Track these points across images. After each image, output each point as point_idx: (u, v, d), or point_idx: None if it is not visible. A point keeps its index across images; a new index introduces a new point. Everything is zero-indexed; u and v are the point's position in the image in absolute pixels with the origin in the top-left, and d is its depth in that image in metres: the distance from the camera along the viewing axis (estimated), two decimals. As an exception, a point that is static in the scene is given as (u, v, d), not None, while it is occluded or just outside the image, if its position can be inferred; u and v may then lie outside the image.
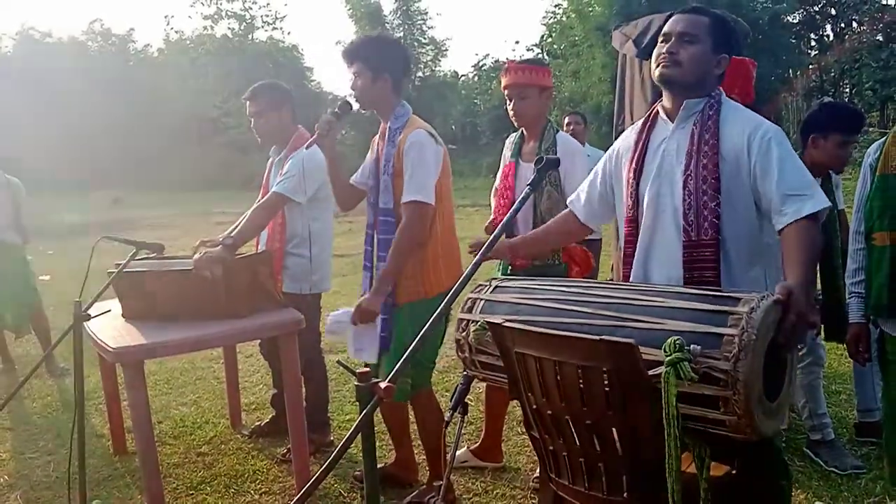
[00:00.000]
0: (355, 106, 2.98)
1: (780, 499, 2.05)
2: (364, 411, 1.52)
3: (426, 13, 35.00)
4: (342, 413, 4.07)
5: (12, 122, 24.05)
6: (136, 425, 2.88)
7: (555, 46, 30.08)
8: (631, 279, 2.16)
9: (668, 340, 1.53)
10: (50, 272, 8.71)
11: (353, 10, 33.76)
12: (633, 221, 2.15)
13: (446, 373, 4.77)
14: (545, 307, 1.85)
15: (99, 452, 3.78)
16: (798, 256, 1.80)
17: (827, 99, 23.58)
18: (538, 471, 2.86)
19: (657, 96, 2.26)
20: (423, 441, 3.14)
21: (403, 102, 2.94)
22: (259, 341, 3.99)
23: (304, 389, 3.46)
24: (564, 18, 28.53)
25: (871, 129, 22.05)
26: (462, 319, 2.02)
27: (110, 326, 3.01)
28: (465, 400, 1.98)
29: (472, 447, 3.46)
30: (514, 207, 1.92)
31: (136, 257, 2.87)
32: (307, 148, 3.01)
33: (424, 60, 35.22)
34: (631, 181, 2.15)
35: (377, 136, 3.01)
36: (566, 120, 5.88)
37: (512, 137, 3.36)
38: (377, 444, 3.56)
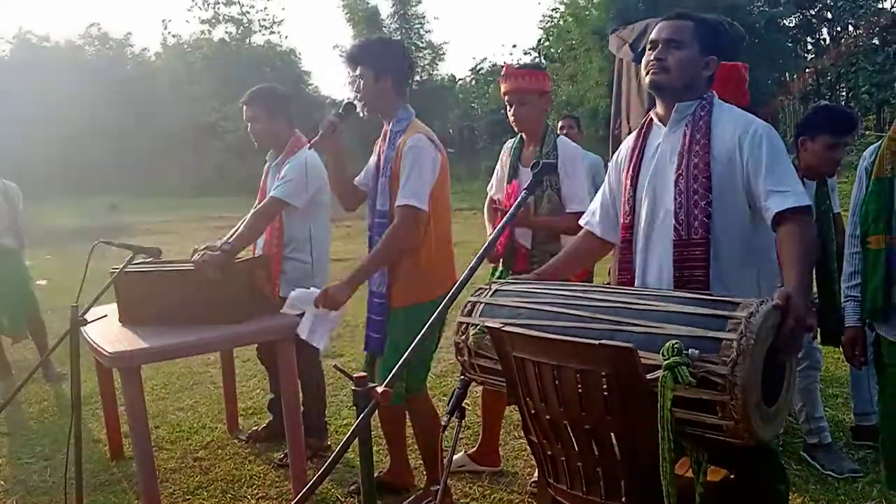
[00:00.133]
0: (359, 108, 2.99)
1: (778, 503, 2.05)
2: (361, 415, 1.52)
3: (423, 17, 35.05)
4: (339, 418, 4.07)
5: (8, 127, 24.00)
6: (133, 430, 2.87)
7: (552, 50, 30.12)
8: (632, 283, 2.16)
9: (667, 344, 1.53)
10: (47, 277, 8.70)
11: (350, 14, 33.81)
12: (629, 228, 2.16)
13: (444, 377, 4.77)
14: (544, 311, 1.85)
15: (95, 457, 3.77)
16: (793, 258, 1.81)
17: (823, 102, 23.67)
18: (536, 475, 2.87)
19: (653, 100, 2.27)
20: (419, 446, 3.14)
21: (407, 105, 2.94)
22: (256, 346, 3.99)
23: (301, 394, 3.45)
24: (561, 22, 28.58)
25: (867, 133, 22.11)
26: (461, 323, 2.02)
27: (107, 331, 3.01)
28: (463, 404, 1.98)
29: (469, 451, 3.46)
30: (510, 212, 1.92)
31: (133, 262, 2.87)
32: (310, 147, 3.01)
33: (422, 64, 35.25)
34: (627, 188, 2.17)
35: (379, 139, 3.02)
36: (560, 124, 5.88)
37: (510, 143, 3.37)
38: (374, 448, 3.57)
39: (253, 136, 3.61)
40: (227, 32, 37.38)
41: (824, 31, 29.12)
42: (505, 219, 1.92)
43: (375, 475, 3.19)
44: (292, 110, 3.66)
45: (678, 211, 2.01)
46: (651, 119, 2.21)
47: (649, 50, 2.12)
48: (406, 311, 2.84)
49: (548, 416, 1.76)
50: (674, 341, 1.52)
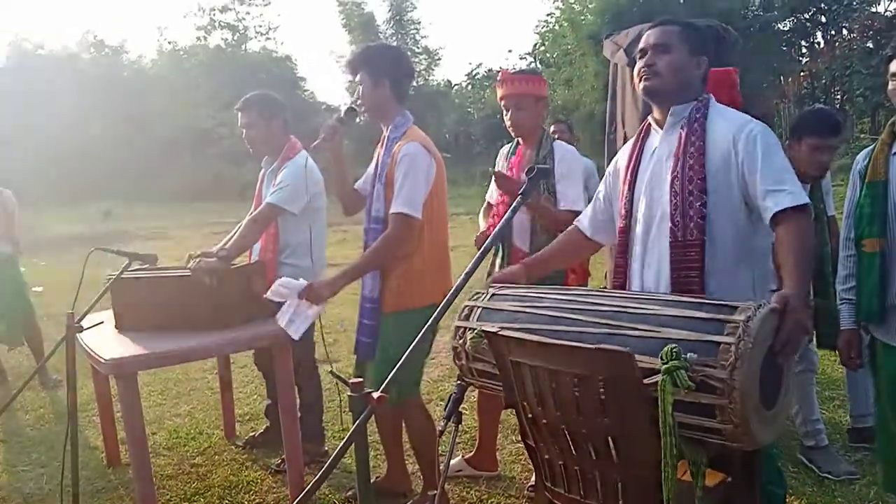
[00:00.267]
0: (361, 113, 3.00)
1: (775, 506, 2.06)
2: (357, 421, 1.52)
3: (419, 23, 35.19)
4: (336, 423, 4.06)
5: (3, 133, 23.99)
6: (130, 437, 2.86)
7: (547, 55, 30.22)
8: (628, 287, 2.16)
9: (665, 348, 1.53)
10: (43, 283, 8.67)
11: (346, 20, 33.89)
12: (625, 232, 2.17)
13: (441, 382, 4.77)
14: (542, 315, 1.85)
15: (92, 464, 3.76)
16: (792, 260, 1.80)
17: (818, 105, 23.76)
18: (533, 479, 2.87)
19: (648, 105, 2.28)
20: (414, 450, 3.13)
21: (405, 112, 2.95)
22: (253, 351, 3.98)
23: (298, 399, 3.45)
24: (557, 27, 28.66)
25: (862, 136, 22.19)
26: (459, 327, 2.02)
27: (103, 337, 3.00)
28: (460, 409, 1.98)
29: (466, 456, 3.45)
30: (506, 216, 1.93)
31: (129, 268, 2.87)
32: (311, 149, 3.02)
33: (418, 70, 35.33)
34: (625, 192, 2.18)
35: (378, 144, 3.03)
36: (552, 128, 5.90)
37: (506, 148, 3.38)
38: (371, 454, 3.57)
39: (248, 142, 3.61)
40: (222, 39, 37.44)
41: (818, 34, 29.24)
42: (500, 224, 1.92)
43: (373, 480, 3.20)
44: (287, 116, 3.66)
45: (674, 212, 2.01)
46: (649, 124, 2.22)
47: (640, 58, 2.14)
48: (397, 317, 2.85)
49: (545, 421, 1.76)
50: (672, 345, 1.52)
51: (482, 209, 3.53)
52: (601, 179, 2.42)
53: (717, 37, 2.34)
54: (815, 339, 3.27)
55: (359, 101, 2.94)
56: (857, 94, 24.23)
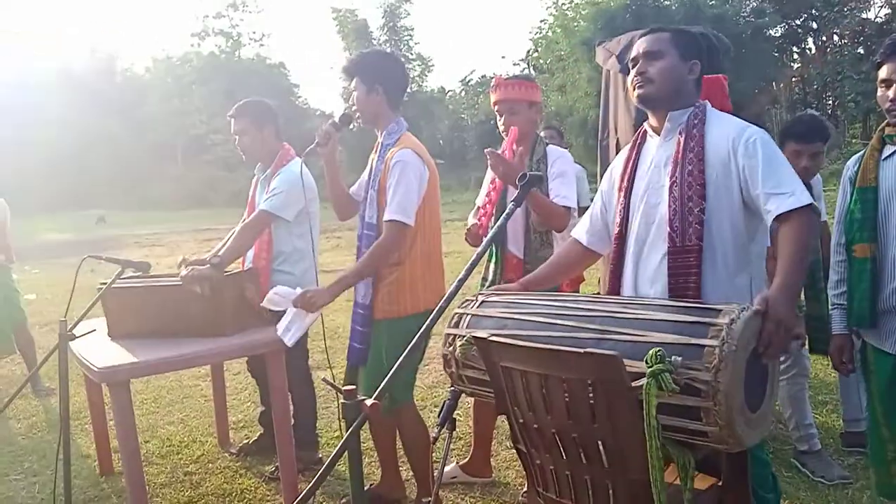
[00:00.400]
0: (355, 120, 3.01)
1: (767, 510, 2.06)
2: (351, 429, 1.52)
3: (412, 29, 35.31)
4: (330, 430, 4.05)
5: (-3, 141, 23.97)
6: (123, 445, 2.85)
7: (541, 61, 30.34)
8: (622, 293, 2.17)
9: (650, 352, 1.54)
10: (35, 291, 8.65)
11: (340, 27, 34.00)
12: (621, 238, 2.16)
13: (434, 388, 4.77)
14: (531, 321, 1.86)
15: (85, 473, 3.74)
16: (783, 256, 1.81)
17: (809, 111, 23.88)
18: (527, 485, 2.87)
19: (641, 111, 2.29)
20: (408, 457, 3.13)
21: (399, 118, 2.97)
22: (247, 359, 3.98)
23: (291, 407, 3.45)
24: (550, 33, 28.80)
25: (854, 141, 22.33)
26: (449, 334, 2.02)
27: (96, 345, 2.99)
28: (454, 415, 1.99)
29: (460, 462, 3.45)
30: (498, 224, 1.93)
31: (122, 276, 2.86)
32: (304, 155, 3.03)
33: (411, 76, 35.43)
34: (621, 199, 2.17)
35: (373, 151, 3.04)
36: (542, 134, 5.91)
37: (502, 147, 3.38)
38: (365, 461, 3.57)
39: (240, 149, 3.62)
40: (216, 46, 37.48)
41: (810, 40, 29.45)
42: (492, 231, 1.93)
43: (367, 488, 3.20)
44: (280, 123, 3.66)
45: (672, 218, 2.01)
46: (645, 131, 2.22)
47: (632, 67, 2.14)
48: (389, 324, 2.86)
49: (536, 426, 1.76)
50: (657, 349, 1.54)
51: (471, 213, 3.53)
52: (591, 186, 2.43)
53: (709, 44, 2.34)
54: (807, 343, 3.28)
55: (353, 108, 2.96)
56: (848, 100, 24.38)
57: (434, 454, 3.05)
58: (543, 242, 3.11)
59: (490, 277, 3.20)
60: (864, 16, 27.07)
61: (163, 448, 4.04)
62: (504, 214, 1.94)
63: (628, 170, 2.19)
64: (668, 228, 2.02)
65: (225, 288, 3.10)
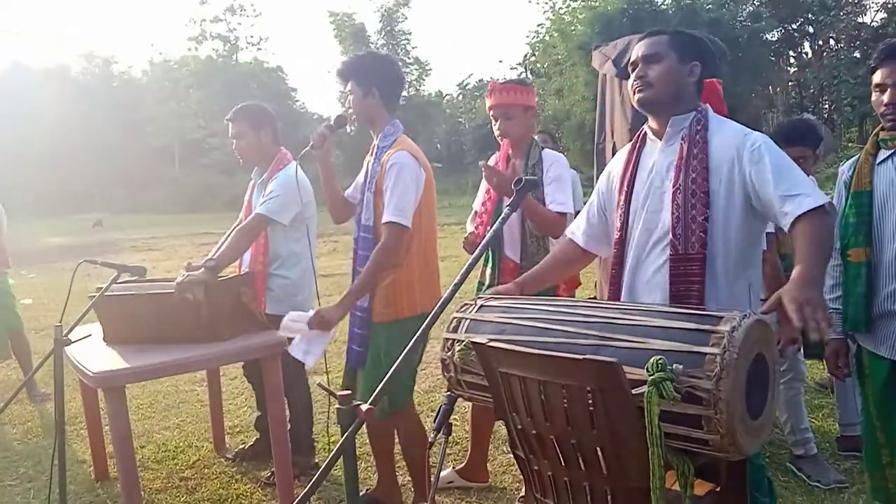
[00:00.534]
0: (350, 122, 3.01)
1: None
2: (346, 433, 1.52)
3: (410, 33, 35.40)
4: (326, 435, 4.03)
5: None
6: (118, 450, 2.84)
7: (538, 65, 30.40)
8: (622, 298, 2.16)
9: (651, 360, 1.54)
10: (32, 296, 8.63)
11: (337, 31, 34.04)
12: (621, 243, 2.15)
13: (431, 393, 4.76)
14: (530, 326, 1.86)
15: (80, 479, 3.72)
16: (801, 254, 1.78)
17: (806, 115, 23.96)
18: (524, 490, 2.86)
19: (637, 115, 2.29)
20: (406, 461, 3.13)
21: (395, 121, 2.97)
22: (242, 363, 3.97)
23: (287, 411, 3.44)
24: (547, 38, 28.85)
25: (850, 145, 22.39)
26: (447, 339, 2.02)
27: (91, 350, 2.98)
28: (450, 420, 1.98)
29: (457, 467, 3.44)
30: (493, 228, 1.93)
31: (118, 281, 2.85)
32: (299, 158, 3.02)
33: (409, 80, 35.47)
34: (621, 203, 2.16)
35: (368, 153, 3.04)
36: (535, 139, 5.91)
37: (494, 157, 3.39)
38: (362, 466, 3.56)
39: (238, 152, 3.61)
40: (213, 50, 37.48)
41: (806, 44, 29.57)
42: (488, 236, 1.92)
43: (363, 492, 3.19)
44: (277, 126, 3.66)
45: (675, 225, 2.00)
46: (645, 133, 2.20)
47: (631, 71, 2.13)
48: (388, 326, 2.86)
49: (534, 431, 1.76)
50: (658, 357, 1.53)
51: (469, 217, 3.54)
52: (586, 191, 2.42)
53: (704, 47, 2.35)
54: (802, 348, 3.29)
55: (349, 110, 2.96)
56: (844, 104, 24.48)
57: (431, 458, 3.04)
58: (540, 247, 3.11)
59: (487, 282, 3.20)
60: (860, 20, 27.21)
61: (158, 453, 4.02)
62: (500, 219, 1.94)
63: (628, 174, 2.17)
64: (671, 236, 2.00)
65: (221, 292, 3.09)
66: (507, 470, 3.55)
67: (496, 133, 3.23)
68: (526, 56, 32.85)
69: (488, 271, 3.24)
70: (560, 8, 27.98)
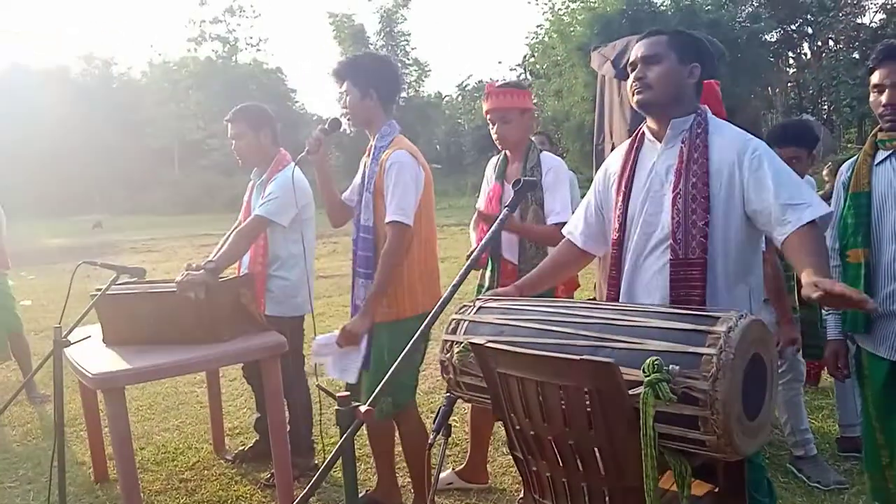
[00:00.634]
0: (345, 124, 3.01)
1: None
2: (345, 435, 1.52)
3: (409, 35, 35.41)
4: (326, 436, 4.04)
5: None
6: (117, 452, 2.84)
7: (537, 66, 30.40)
8: (620, 300, 2.16)
9: (647, 361, 1.54)
10: (31, 297, 8.63)
11: (337, 32, 34.05)
12: (619, 244, 2.14)
13: (431, 394, 4.76)
14: (528, 327, 1.86)
15: (80, 480, 3.72)
16: (808, 255, 1.78)
17: (805, 116, 24.00)
18: (523, 492, 2.86)
19: (636, 116, 2.28)
20: (407, 462, 3.13)
21: (392, 122, 2.97)
22: (242, 365, 3.97)
23: (287, 413, 3.44)
24: (546, 39, 28.85)
25: (849, 146, 22.40)
26: (446, 340, 2.02)
27: (91, 352, 2.98)
28: (450, 421, 1.98)
29: (457, 468, 3.45)
30: (493, 228, 1.93)
31: (117, 282, 2.85)
32: (296, 163, 3.02)
33: (408, 81, 35.48)
34: (619, 203, 2.14)
35: (365, 154, 3.04)
36: (533, 139, 5.90)
37: (494, 159, 3.40)
38: (362, 467, 3.56)
39: (237, 153, 3.61)
40: (213, 51, 37.47)
41: (805, 45, 29.60)
42: (486, 237, 1.93)
43: (363, 493, 3.20)
44: (276, 127, 3.66)
45: (676, 230, 1.99)
46: (643, 133, 2.18)
47: (630, 72, 2.12)
48: (390, 327, 2.86)
49: (532, 432, 1.76)
50: (654, 357, 1.53)
51: (473, 219, 3.54)
52: (583, 193, 2.40)
53: (703, 48, 2.34)
54: (801, 349, 3.28)
55: (345, 111, 2.95)
56: (843, 104, 24.50)
57: (430, 460, 3.04)
58: (538, 250, 3.12)
59: (486, 284, 3.21)
60: (858, 21, 27.23)
61: (158, 455, 4.02)
62: (498, 220, 1.94)
63: (626, 174, 2.16)
64: (672, 241, 2.00)
65: (220, 294, 3.09)
66: (506, 471, 3.55)
67: (494, 137, 3.23)
68: (525, 57, 32.87)
69: (487, 273, 3.24)
70: (559, 9, 28.02)
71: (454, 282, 1.81)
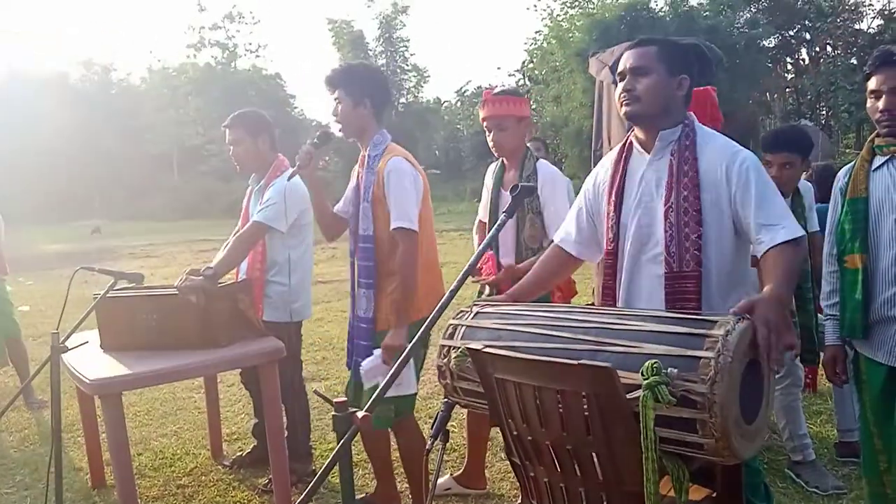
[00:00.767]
0: (337, 134, 3.01)
1: (762, 521, 2.06)
2: (342, 441, 1.52)
3: (408, 40, 35.41)
4: (325, 442, 4.04)
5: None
6: (115, 458, 2.84)
7: (536, 72, 30.45)
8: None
9: (646, 364, 1.54)
10: (29, 303, 8.62)
11: (336, 38, 34.07)
12: (613, 254, 2.14)
13: (429, 399, 4.76)
14: (525, 332, 1.86)
15: (77, 486, 3.71)
16: (772, 276, 1.81)
17: (803, 121, 24.04)
18: (521, 497, 2.86)
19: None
20: (405, 468, 3.12)
21: (382, 130, 2.97)
22: (240, 370, 3.96)
23: (285, 418, 3.43)
24: (545, 44, 28.90)
25: (847, 151, 22.45)
26: (443, 346, 2.02)
27: (88, 357, 2.97)
28: (448, 426, 1.98)
29: (455, 474, 3.44)
30: (490, 234, 1.94)
31: (115, 287, 2.85)
32: (289, 179, 3.02)
33: (407, 87, 35.52)
34: (611, 213, 2.15)
35: (357, 164, 3.04)
36: (529, 146, 5.90)
37: (493, 166, 3.40)
38: (360, 473, 3.56)
39: (235, 159, 3.62)
40: (212, 57, 37.51)
41: (803, 51, 29.68)
42: (484, 242, 1.93)
43: (362, 497, 3.19)
44: (275, 133, 3.67)
45: (669, 244, 2.00)
46: (631, 142, 2.18)
47: (619, 81, 2.12)
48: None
49: (530, 438, 1.76)
50: (652, 361, 1.53)
51: (475, 226, 3.55)
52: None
53: (701, 54, 2.34)
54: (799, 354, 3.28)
55: (337, 120, 2.95)
56: (841, 110, 24.56)
57: (428, 465, 3.04)
58: (536, 253, 3.12)
59: (486, 291, 3.20)
60: (856, 26, 27.32)
61: (155, 461, 4.01)
62: (496, 225, 1.95)
63: (616, 184, 2.15)
64: (665, 254, 2.01)
65: (218, 299, 3.09)
66: (504, 477, 3.54)
67: (490, 144, 3.24)
68: (524, 63, 32.93)
69: (486, 278, 3.24)
70: (558, 15, 28.09)
71: (452, 287, 1.81)
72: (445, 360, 1.99)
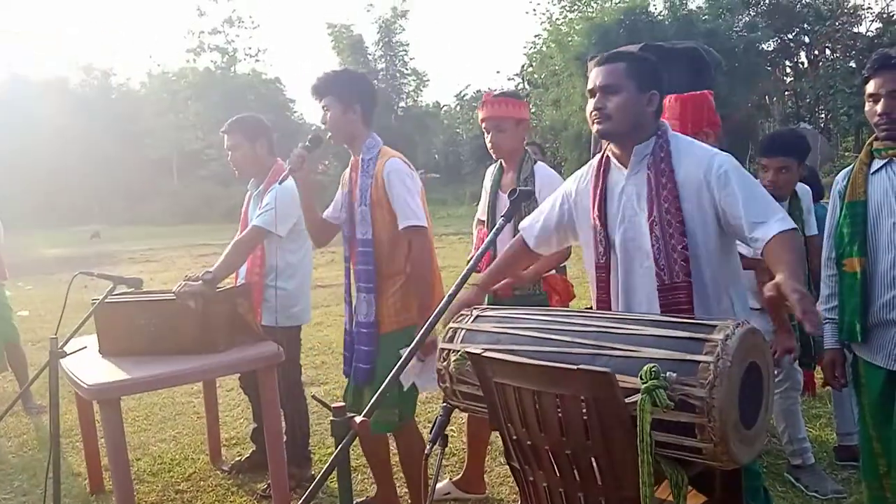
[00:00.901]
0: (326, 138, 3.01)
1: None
2: (340, 446, 1.52)
3: (408, 45, 35.42)
4: (323, 447, 4.03)
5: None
6: (113, 463, 2.83)
7: (535, 76, 30.48)
8: None
9: (644, 368, 1.54)
10: (28, 308, 8.61)
11: (335, 42, 34.10)
12: (605, 267, 2.16)
13: (428, 403, 4.75)
14: (524, 336, 1.86)
15: (75, 492, 3.71)
16: (781, 262, 1.80)
17: (802, 124, 24.07)
18: (520, 502, 2.85)
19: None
20: (405, 473, 3.12)
21: (373, 134, 2.98)
22: (239, 375, 3.96)
23: (284, 423, 3.43)
24: (544, 48, 28.94)
25: (847, 154, 22.45)
26: (443, 349, 2.02)
27: (86, 362, 2.97)
28: (447, 431, 1.98)
29: (454, 478, 3.44)
30: (488, 239, 1.94)
31: (114, 292, 2.85)
32: (280, 183, 3.01)
33: (407, 91, 35.54)
34: (598, 227, 2.16)
35: (348, 170, 3.03)
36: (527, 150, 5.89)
37: (492, 168, 3.41)
38: (360, 477, 3.55)
39: (233, 164, 3.62)
40: (212, 61, 37.52)
41: (802, 54, 29.73)
42: (482, 247, 1.93)
43: (362, 501, 3.19)
44: (274, 138, 3.67)
45: (658, 256, 2.02)
46: (608, 156, 2.19)
47: (590, 98, 2.12)
48: (396, 336, 2.85)
49: (529, 442, 1.76)
50: (651, 365, 1.53)
51: (474, 222, 3.55)
52: None
53: (700, 58, 2.35)
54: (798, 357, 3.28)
55: (324, 127, 2.95)
56: (840, 113, 24.59)
57: (427, 470, 3.03)
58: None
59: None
60: (855, 30, 27.37)
61: (154, 466, 4.01)
62: (494, 230, 1.95)
63: (597, 200, 2.16)
64: (655, 267, 2.03)
65: (217, 304, 3.09)
66: (504, 481, 3.54)
67: (488, 145, 3.25)
68: (523, 67, 32.94)
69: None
70: (557, 19, 28.15)
71: (450, 291, 1.82)
72: (445, 363, 1.99)
